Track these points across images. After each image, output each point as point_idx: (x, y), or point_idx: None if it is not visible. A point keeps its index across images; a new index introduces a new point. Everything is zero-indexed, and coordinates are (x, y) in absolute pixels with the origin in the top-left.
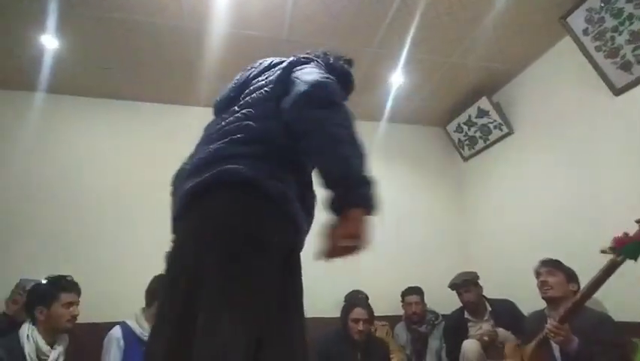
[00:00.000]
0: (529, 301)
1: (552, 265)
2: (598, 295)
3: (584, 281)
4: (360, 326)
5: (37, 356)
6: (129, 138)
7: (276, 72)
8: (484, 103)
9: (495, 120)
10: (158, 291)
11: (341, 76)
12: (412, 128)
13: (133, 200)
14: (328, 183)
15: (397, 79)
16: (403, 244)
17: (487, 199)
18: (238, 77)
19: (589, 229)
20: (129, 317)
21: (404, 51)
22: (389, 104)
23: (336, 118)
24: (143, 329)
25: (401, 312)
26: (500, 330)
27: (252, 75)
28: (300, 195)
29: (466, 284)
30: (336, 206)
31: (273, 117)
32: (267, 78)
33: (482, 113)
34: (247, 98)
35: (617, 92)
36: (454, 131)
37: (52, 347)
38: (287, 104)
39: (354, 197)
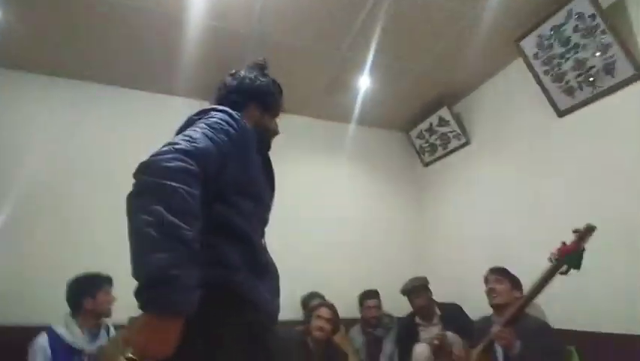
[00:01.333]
0: (479, 305)
1: (499, 273)
2: (541, 302)
3: (529, 286)
4: (322, 323)
5: None
6: (80, 119)
7: None
8: (445, 113)
9: (454, 130)
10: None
11: (255, 94)
12: (376, 131)
13: (71, 186)
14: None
15: (364, 83)
16: (361, 246)
17: (445, 205)
18: None
19: (531, 237)
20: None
21: (371, 56)
22: (356, 106)
23: (143, 205)
24: (74, 336)
25: (357, 315)
26: (449, 333)
27: None
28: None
29: (416, 290)
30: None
31: None
32: None
33: (443, 122)
34: None
35: (561, 113)
36: (416, 137)
37: None
38: None
39: (144, 300)
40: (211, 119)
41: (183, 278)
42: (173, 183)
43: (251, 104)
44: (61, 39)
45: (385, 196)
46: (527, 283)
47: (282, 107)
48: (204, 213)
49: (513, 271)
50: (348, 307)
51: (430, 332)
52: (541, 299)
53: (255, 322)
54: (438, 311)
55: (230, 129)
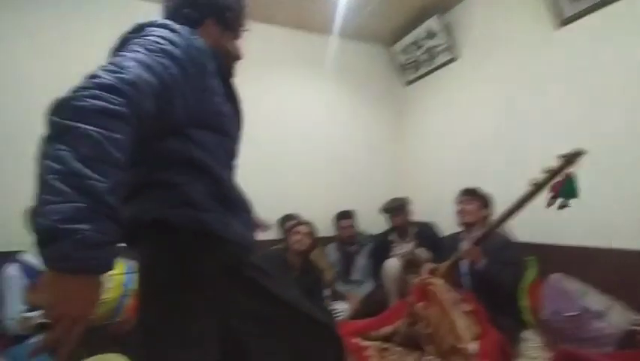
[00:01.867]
0: (453, 224)
1: (469, 194)
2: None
3: (499, 207)
4: (300, 237)
5: None
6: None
7: None
8: (434, 23)
9: (442, 43)
10: None
11: (213, 8)
12: (357, 44)
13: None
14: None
15: None
16: (338, 165)
17: (425, 125)
18: None
19: (508, 159)
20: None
21: None
22: (331, 15)
23: (50, 151)
24: None
25: (333, 233)
26: (419, 250)
27: None
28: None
29: (395, 209)
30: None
31: None
32: None
33: (431, 34)
34: None
35: (563, 22)
36: (401, 53)
37: None
38: None
39: (43, 254)
40: (148, 37)
41: (90, 233)
42: (85, 126)
43: (208, 21)
44: None
45: (364, 115)
46: (505, 203)
47: (246, 25)
48: (162, 151)
49: (491, 192)
50: (325, 226)
51: (403, 248)
52: None
53: (230, 257)
54: (413, 230)
55: (174, 48)
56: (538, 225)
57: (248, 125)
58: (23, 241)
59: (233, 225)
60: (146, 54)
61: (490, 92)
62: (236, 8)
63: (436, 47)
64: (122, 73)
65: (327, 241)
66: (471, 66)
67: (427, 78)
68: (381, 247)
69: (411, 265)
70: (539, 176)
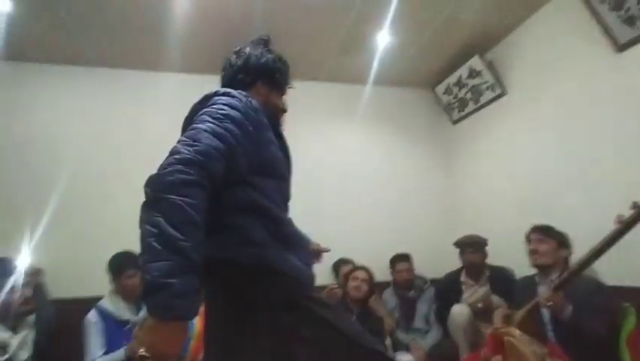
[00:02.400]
0: (517, 266)
1: (542, 232)
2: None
3: (576, 247)
4: (358, 283)
5: (1, 347)
6: (95, 104)
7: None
8: (476, 62)
9: (487, 81)
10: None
11: (262, 72)
12: (398, 90)
13: (102, 167)
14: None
15: (383, 38)
16: (390, 210)
17: (476, 163)
18: None
19: (582, 195)
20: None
21: (391, 7)
22: (374, 65)
23: (148, 217)
24: (117, 308)
25: (389, 278)
26: (494, 297)
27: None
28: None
29: (472, 245)
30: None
31: None
32: None
33: (474, 73)
34: None
35: (620, 48)
36: (443, 94)
37: (14, 332)
38: None
39: (147, 305)
40: (213, 106)
41: (179, 286)
42: (172, 197)
43: (258, 83)
44: (72, 28)
45: (412, 158)
46: (577, 242)
47: (290, 84)
48: (228, 198)
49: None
50: (379, 270)
51: (475, 291)
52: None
53: (293, 291)
54: (487, 272)
55: (235, 113)
56: (631, 265)
57: (304, 174)
58: (101, 287)
59: (292, 261)
60: (213, 123)
61: (543, 124)
62: (283, 70)
63: (480, 84)
64: (196, 146)
65: (383, 286)
66: (521, 100)
67: (474, 116)
68: (449, 288)
69: (484, 313)
70: (627, 213)
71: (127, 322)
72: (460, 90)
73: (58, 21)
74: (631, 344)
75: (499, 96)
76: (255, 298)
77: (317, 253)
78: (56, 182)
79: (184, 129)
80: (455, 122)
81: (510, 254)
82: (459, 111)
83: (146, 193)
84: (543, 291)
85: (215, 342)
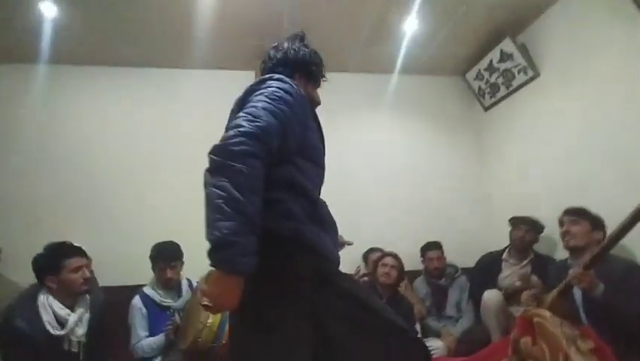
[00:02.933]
0: (555, 251)
1: (575, 214)
2: (628, 243)
3: (613, 227)
4: (387, 269)
5: (58, 323)
6: (136, 105)
7: (236, 113)
8: (507, 45)
9: (519, 64)
10: (153, 260)
11: (300, 65)
12: (428, 79)
13: (144, 165)
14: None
15: (411, 25)
16: (422, 199)
17: (509, 149)
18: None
19: (619, 174)
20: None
21: None
22: (402, 53)
23: (214, 181)
24: (160, 295)
25: (420, 267)
26: (534, 278)
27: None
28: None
29: (530, 223)
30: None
31: None
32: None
33: (505, 56)
34: None
35: None
36: (474, 79)
37: (72, 311)
38: None
39: (213, 260)
40: (269, 88)
41: (243, 244)
42: (238, 165)
43: (296, 75)
44: (110, 30)
45: (444, 146)
46: (609, 225)
47: (324, 77)
48: (273, 174)
49: (600, 214)
50: (410, 260)
51: (514, 271)
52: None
53: (324, 266)
54: (532, 255)
55: (289, 97)
56: None
57: (336, 165)
58: (144, 275)
59: (324, 239)
60: (270, 103)
61: (578, 104)
62: (318, 63)
63: (512, 68)
64: (257, 121)
65: (414, 275)
66: (554, 82)
67: (506, 101)
68: (488, 265)
69: (517, 294)
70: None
71: (168, 307)
72: (491, 75)
73: (99, 24)
74: None
75: (531, 79)
76: (291, 270)
77: (340, 244)
78: (101, 179)
79: (238, 107)
80: (487, 108)
81: (549, 238)
82: (490, 97)
83: (212, 160)
84: (573, 271)
85: (245, 312)
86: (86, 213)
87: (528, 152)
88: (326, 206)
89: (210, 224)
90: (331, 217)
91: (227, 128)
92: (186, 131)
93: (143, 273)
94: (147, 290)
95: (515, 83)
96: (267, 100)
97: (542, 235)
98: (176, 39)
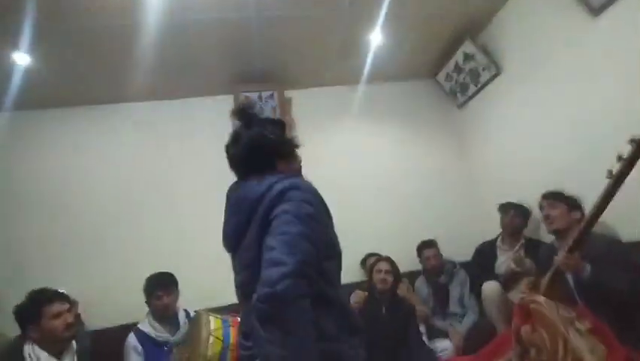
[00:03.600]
0: (543, 235)
1: (553, 198)
2: (607, 218)
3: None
4: (382, 275)
5: None
6: (114, 141)
7: (253, 235)
8: (468, 47)
9: (482, 63)
10: (147, 291)
11: (272, 153)
12: (400, 84)
13: (128, 201)
14: None
15: (376, 38)
16: (410, 199)
17: (487, 141)
18: (229, 222)
19: (587, 155)
20: (142, 318)
21: (380, 9)
22: (373, 63)
23: (271, 337)
24: (155, 330)
25: (418, 267)
26: (528, 260)
27: (237, 231)
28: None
29: (518, 208)
30: None
31: None
32: (250, 239)
33: (468, 57)
34: (244, 255)
35: (596, 12)
36: (445, 80)
37: (58, 359)
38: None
39: None
40: (292, 204)
41: None
42: (293, 314)
43: (278, 161)
44: (85, 70)
45: (424, 146)
46: (590, 204)
47: (297, 144)
48: None
49: (577, 194)
50: (408, 260)
51: (509, 256)
52: (609, 213)
53: None
54: (522, 240)
55: (314, 210)
56: None
57: (320, 179)
58: (139, 312)
59: (359, 352)
60: (302, 225)
61: (541, 93)
62: (285, 139)
63: (476, 67)
64: (297, 255)
65: (414, 276)
66: (516, 75)
67: (477, 97)
68: (485, 254)
69: (513, 279)
70: (615, 166)
71: (165, 343)
72: (459, 75)
73: (70, 67)
74: None
75: (495, 75)
76: None
77: None
78: (87, 219)
79: (250, 210)
80: (460, 105)
81: (535, 225)
82: (462, 95)
83: (263, 310)
84: (559, 256)
85: None
86: (73, 255)
87: (504, 142)
88: (351, 309)
89: None
90: (358, 318)
91: (266, 259)
92: (166, 164)
93: (135, 311)
94: (142, 326)
95: (482, 80)
96: (298, 223)
97: (531, 219)
98: (151, 71)
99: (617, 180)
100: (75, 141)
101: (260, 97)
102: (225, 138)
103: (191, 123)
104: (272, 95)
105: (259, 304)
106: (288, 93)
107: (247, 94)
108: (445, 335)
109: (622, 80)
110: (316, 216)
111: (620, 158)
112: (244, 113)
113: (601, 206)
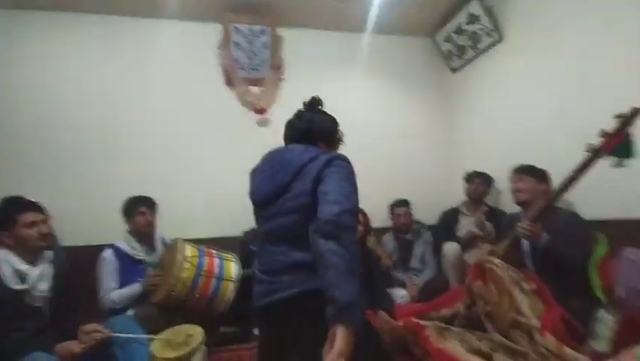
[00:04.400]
0: (504, 203)
1: (522, 171)
2: (572, 196)
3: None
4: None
5: (20, 277)
6: (101, 54)
7: (306, 182)
8: (475, 7)
9: (485, 26)
10: (129, 209)
11: (323, 135)
12: (398, 39)
13: (110, 118)
14: (337, 300)
15: None
16: (390, 156)
17: (477, 110)
18: (270, 177)
19: (573, 132)
20: (117, 239)
21: None
22: (373, 12)
23: (336, 248)
24: (133, 248)
25: (389, 224)
26: (488, 224)
27: (284, 182)
28: None
29: (483, 176)
30: (341, 321)
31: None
32: (301, 188)
33: (473, 18)
34: (290, 203)
35: None
36: (444, 41)
37: (32, 265)
38: (313, 227)
39: (345, 318)
40: (345, 171)
41: (359, 304)
42: (351, 237)
43: (320, 143)
44: None
45: (412, 106)
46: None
47: (342, 141)
48: None
49: (554, 169)
50: (379, 218)
51: (470, 220)
52: (574, 192)
53: None
54: (485, 207)
55: (353, 176)
56: (606, 200)
57: None
58: (115, 234)
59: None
60: (351, 185)
61: (539, 67)
62: (337, 130)
63: (479, 30)
64: (352, 202)
65: (383, 231)
66: (516, 45)
67: (473, 63)
68: (448, 217)
69: (471, 241)
70: (596, 141)
71: (141, 261)
72: (459, 37)
73: None
74: (600, 269)
75: (496, 42)
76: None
77: None
78: (65, 132)
79: (295, 171)
80: (454, 70)
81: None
82: (458, 59)
83: (329, 230)
84: (522, 223)
85: (309, 349)
86: (48, 171)
87: (493, 113)
88: None
89: (341, 286)
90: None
91: (325, 201)
92: (152, 83)
93: (109, 233)
94: (120, 244)
95: (481, 46)
96: (349, 182)
97: (506, 189)
98: None
99: (594, 154)
100: (58, 50)
101: (251, 30)
102: (210, 67)
103: (176, 47)
104: (263, 31)
105: (325, 226)
106: (281, 31)
107: (237, 25)
108: (403, 285)
109: (622, 59)
110: (355, 182)
111: (603, 132)
112: (314, 102)
113: (573, 178)
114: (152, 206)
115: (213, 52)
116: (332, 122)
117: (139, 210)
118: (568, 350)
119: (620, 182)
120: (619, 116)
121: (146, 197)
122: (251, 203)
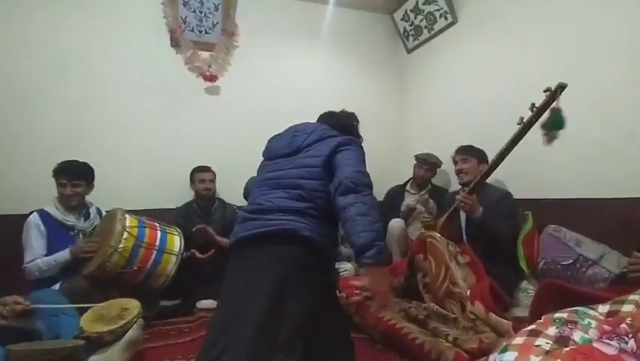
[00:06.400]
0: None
1: (465, 152)
2: (503, 177)
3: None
4: None
5: None
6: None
7: (324, 148)
8: None
9: (441, 8)
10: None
11: (346, 129)
12: (355, 13)
13: (48, 76)
14: (356, 244)
15: None
16: None
17: (429, 91)
18: (291, 137)
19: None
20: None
21: None
22: None
23: (364, 200)
24: (63, 214)
25: None
26: (431, 201)
27: (305, 142)
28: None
29: (430, 165)
30: (362, 261)
31: (320, 182)
32: (318, 150)
33: None
34: (303, 160)
35: None
36: (401, 20)
37: None
38: (334, 185)
39: (372, 255)
40: (361, 151)
41: (381, 246)
42: (371, 191)
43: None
44: None
45: (367, 83)
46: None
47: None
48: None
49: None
50: None
51: (415, 199)
52: (507, 172)
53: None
54: (429, 187)
55: (365, 158)
56: (533, 182)
57: (251, 94)
58: (39, 202)
59: (334, 256)
60: (363, 161)
61: (490, 51)
62: (356, 125)
63: (435, 11)
64: (368, 177)
65: None
66: (469, 28)
67: (428, 44)
68: (394, 194)
69: (411, 215)
70: (527, 115)
71: (73, 228)
72: (416, 17)
73: None
74: (526, 243)
75: (450, 25)
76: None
77: None
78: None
79: (321, 136)
80: (410, 51)
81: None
82: (414, 39)
83: (348, 184)
84: (459, 197)
85: (299, 283)
86: None
87: (445, 94)
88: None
89: (370, 228)
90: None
91: (343, 165)
92: (90, 37)
93: (34, 200)
94: (47, 208)
95: (437, 27)
96: (363, 159)
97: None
98: None
99: (525, 127)
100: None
101: None
102: (154, 24)
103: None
104: None
105: (345, 181)
106: None
107: None
108: (348, 259)
109: (559, 45)
110: (365, 163)
111: (533, 106)
112: (345, 115)
113: (505, 152)
114: (78, 177)
115: (158, 7)
116: (355, 123)
117: (59, 182)
118: (494, 317)
119: (544, 166)
120: (546, 91)
121: (72, 166)
122: (262, 157)
